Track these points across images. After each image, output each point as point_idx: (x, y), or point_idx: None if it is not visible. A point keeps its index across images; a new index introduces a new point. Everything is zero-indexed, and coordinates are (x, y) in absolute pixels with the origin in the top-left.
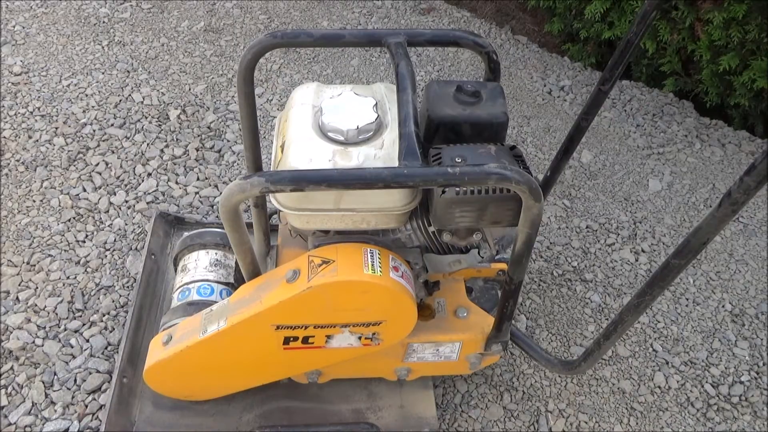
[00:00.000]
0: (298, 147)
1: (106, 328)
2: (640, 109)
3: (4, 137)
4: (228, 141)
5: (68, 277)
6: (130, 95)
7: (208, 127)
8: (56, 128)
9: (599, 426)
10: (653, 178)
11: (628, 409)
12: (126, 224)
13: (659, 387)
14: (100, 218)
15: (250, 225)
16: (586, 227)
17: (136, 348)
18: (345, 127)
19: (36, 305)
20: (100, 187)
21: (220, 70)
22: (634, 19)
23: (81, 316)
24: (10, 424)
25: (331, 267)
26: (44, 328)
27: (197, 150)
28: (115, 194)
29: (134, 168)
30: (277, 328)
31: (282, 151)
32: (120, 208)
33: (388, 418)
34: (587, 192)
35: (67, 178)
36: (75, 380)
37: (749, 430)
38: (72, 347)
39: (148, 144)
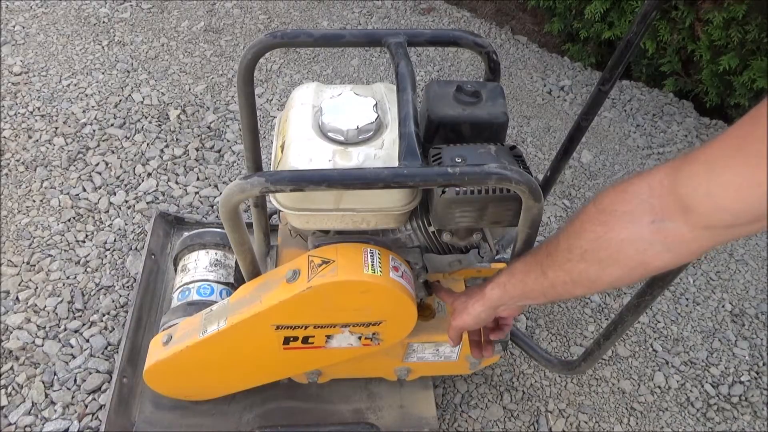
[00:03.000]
0: (298, 147)
1: (106, 328)
2: (640, 109)
3: (4, 137)
4: (228, 141)
5: (68, 277)
6: (130, 95)
7: (208, 127)
8: (56, 128)
9: (599, 426)
10: None
11: (628, 409)
12: (126, 224)
13: (659, 387)
14: (100, 218)
15: (250, 225)
16: None
17: (136, 348)
18: (345, 127)
19: (36, 305)
20: (100, 187)
21: (220, 70)
22: (634, 19)
23: (81, 316)
24: (10, 424)
25: (331, 267)
26: (44, 328)
27: (197, 150)
28: (115, 194)
29: (134, 168)
30: (277, 328)
31: (282, 151)
32: (120, 208)
33: (388, 418)
34: (587, 192)
35: (67, 178)
36: (75, 380)
37: (749, 430)
38: (72, 347)
39: (148, 144)
